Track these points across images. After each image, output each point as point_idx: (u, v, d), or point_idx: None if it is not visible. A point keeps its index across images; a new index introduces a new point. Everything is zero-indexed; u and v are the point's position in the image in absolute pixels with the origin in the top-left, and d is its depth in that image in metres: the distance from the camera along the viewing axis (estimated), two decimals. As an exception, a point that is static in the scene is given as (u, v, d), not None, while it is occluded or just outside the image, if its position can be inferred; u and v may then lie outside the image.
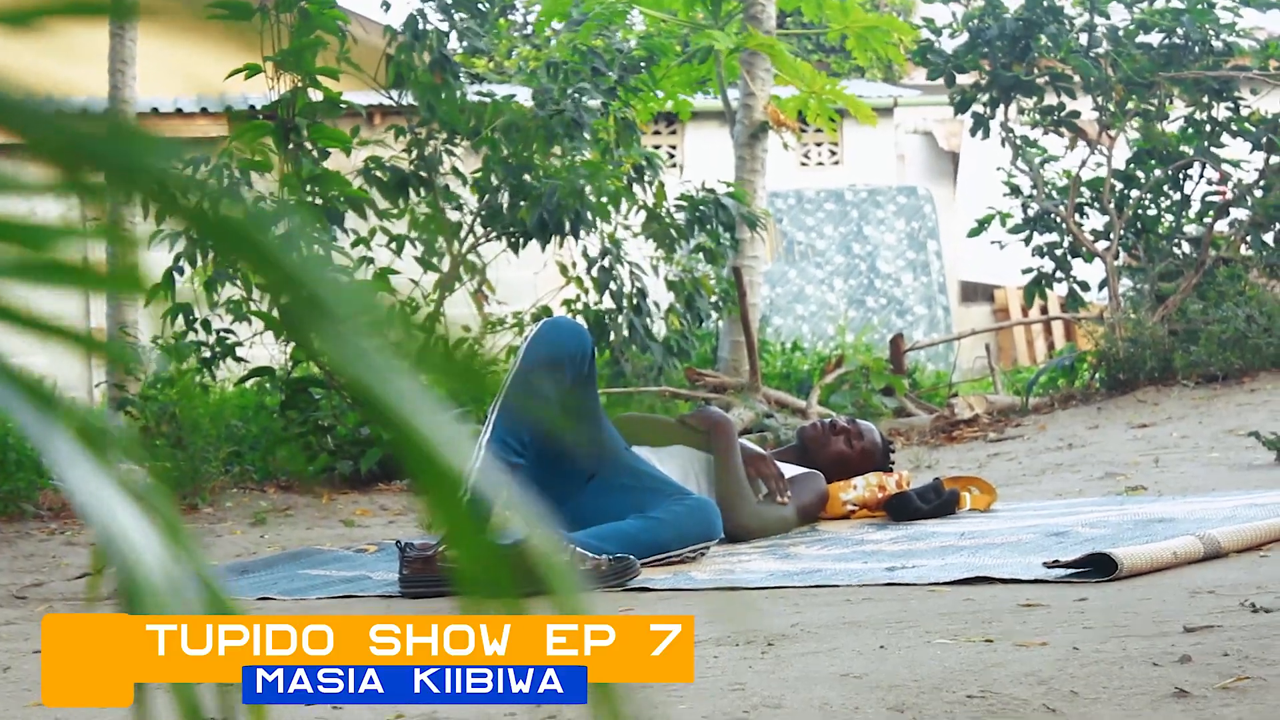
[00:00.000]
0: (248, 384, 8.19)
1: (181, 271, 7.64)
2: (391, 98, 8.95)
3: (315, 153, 7.75)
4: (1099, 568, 3.57)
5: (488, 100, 8.82)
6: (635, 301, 9.31)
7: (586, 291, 9.38)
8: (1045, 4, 10.56)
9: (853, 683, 2.53)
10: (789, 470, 5.26)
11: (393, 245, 8.45)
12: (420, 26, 8.73)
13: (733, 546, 4.74)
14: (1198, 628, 2.79)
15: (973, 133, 10.99)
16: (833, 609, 3.37)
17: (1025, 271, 11.28)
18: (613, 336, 9.29)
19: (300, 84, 7.66)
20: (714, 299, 9.95)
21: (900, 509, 5.23)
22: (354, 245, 7.88)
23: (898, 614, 3.22)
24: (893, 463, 5.63)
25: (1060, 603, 3.23)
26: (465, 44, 9.34)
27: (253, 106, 13.02)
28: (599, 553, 4.11)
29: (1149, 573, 3.59)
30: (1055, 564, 3.65)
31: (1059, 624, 2.96)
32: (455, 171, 8.78)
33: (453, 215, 8.84)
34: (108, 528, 0.69)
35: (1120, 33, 10.60)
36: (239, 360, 7.82)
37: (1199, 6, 10.33)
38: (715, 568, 4.28)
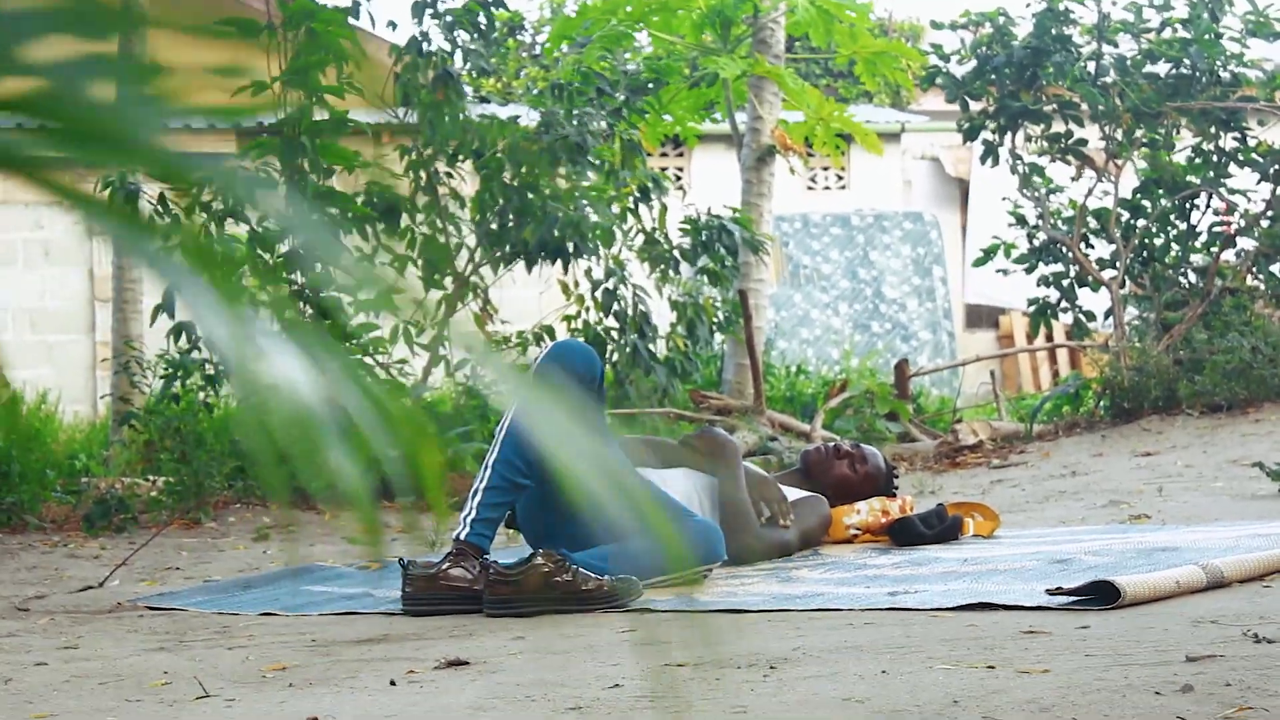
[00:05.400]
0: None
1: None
2: (398, 117, 8.96)
3: (321, 170, 7.75)
4: (1102, 595, 3.56)
5: (490, 121, 8.82)
6: (638, 324, 9.31)
7: (587, 310, 9.38)
8: (1054, 32, 10.57)
9: (855, 707, 2.53)
10: (792, 494, 5.25)
11: (395, 265, 8.44)
12: (424, 46, 8.74)
13: (735, 569, 4.73)
14: (1200, 657, 2.78)
15: (983, 160, 11.00)
16: (835, 633, 3.37)
17: (1031, 302, 11.27)
18: (616, 357, 9.29)
19: (308, 101, 7.67)
20: (716, 321, 9.94)
21: (903, 534, 5.23)
22: (356, 264, 7.85)
23: (900, 639, 3.22)
24: (896, 488, 5.63)
25: (1063, 630, 3.23)
26: (469, 64, 9.35)
27: (260, 124, 13.04)
28: (602, 573, 4.11)
29: (1152, 601, 3.59)
30: (1058, 591, 3.65)
31: (1061, 651, 2.96)
32: (454, 194, 8.77)
33: (453, 235, 8.84)
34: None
35: (1128, 62, 10.61)
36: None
37: (1206, 37, 10.34)
38: (718, 590, 4.27)
